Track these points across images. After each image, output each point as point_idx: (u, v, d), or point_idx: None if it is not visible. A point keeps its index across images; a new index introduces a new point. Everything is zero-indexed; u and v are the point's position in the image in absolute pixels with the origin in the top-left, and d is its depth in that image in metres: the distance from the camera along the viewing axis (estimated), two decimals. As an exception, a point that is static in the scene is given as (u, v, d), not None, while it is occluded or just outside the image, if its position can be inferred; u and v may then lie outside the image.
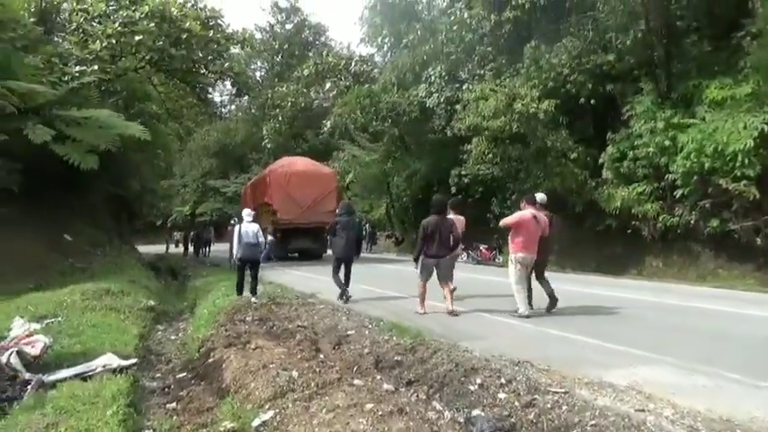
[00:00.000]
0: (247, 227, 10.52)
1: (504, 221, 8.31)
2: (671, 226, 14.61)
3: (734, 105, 13.42)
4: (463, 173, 20.37)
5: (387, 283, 12.52)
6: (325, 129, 27.42)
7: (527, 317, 7.95)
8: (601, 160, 16.38)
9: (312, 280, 13.53)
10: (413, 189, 26.18)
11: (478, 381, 4.88)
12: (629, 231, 15.76)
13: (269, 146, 38.15)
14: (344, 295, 9.98)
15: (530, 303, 8.44)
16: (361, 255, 11.71)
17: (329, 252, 14.78)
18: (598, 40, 17.17)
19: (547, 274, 8.66)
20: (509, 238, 8.18)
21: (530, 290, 8.48)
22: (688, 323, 7.79)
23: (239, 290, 10.87)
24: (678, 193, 14.20)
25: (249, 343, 6.88)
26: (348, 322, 7.82)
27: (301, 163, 23.05)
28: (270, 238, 20.43)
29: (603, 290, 11.38)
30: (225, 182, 46.26)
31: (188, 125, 35.45)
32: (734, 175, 12.69)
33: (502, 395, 4.58)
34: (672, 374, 5.16)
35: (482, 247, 19.53)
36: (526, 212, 8.07)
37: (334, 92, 34.04)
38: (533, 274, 8.46)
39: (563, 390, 4.61)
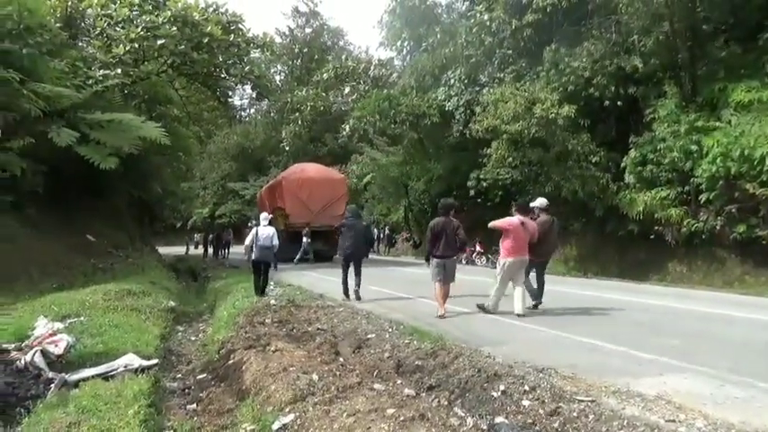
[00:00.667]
0: (263, 230, 10.93)
1: (492, 224, 8.63)
2: (696, 231, 14.33)
3: (761, 108, 13.14)
4: (482, 176, 20.21)
5: (403, 285, 12.48)
6: (344, 132, 27.55)
7: (490, 311, 8.54)
8: (623, 164, 16.14)
9: (325, 281, 13.60)
10: (431, 192, 26.05)
11: (501, 387, 4.79)
12: (651, 237, 15.49)
13: (288, 149, 38.26)
14: (348, 295, 10.48)
15: (539, 302, 8.96)
16: (380, 257, 11.91)
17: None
18: (621, 42, 16.95)
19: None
20: (500, 241, 8.54)
21: (541, 287, 9.08)
22: (717, 331, 7.60)
23: (257, 291, 11.06)
24: (703, 197, 13.93)
25: (269, 345, 6.87)
26: (368, 326, 7.77)
27: (313, 169, 23.70)
28: (305, 240, 20.69)
29: (626, 295, 11.18)
30: (244, 184, 46.43)
31: (208, 128, 35.64)
32: (761, 180, 12.40)
33: (526, 402, 4.49)
34: (702, 384, 5.02)
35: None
36: (514, 219, 8.43)
37: (354, 96, 34.14)
38: (535, 272, 9.07)
39: (589, 398, 4.50)
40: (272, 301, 10.02)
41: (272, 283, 12.04)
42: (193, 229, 44.88)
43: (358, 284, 10.52)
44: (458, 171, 23.16)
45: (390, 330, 7.43)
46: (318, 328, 7.71)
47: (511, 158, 18.67)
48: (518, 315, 8.31)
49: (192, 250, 36.50)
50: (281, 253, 13.69)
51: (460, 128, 21.84)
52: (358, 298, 10.32)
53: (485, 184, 20.24)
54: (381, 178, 29.17)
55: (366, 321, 8.07)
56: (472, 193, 20.94)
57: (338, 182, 22.90)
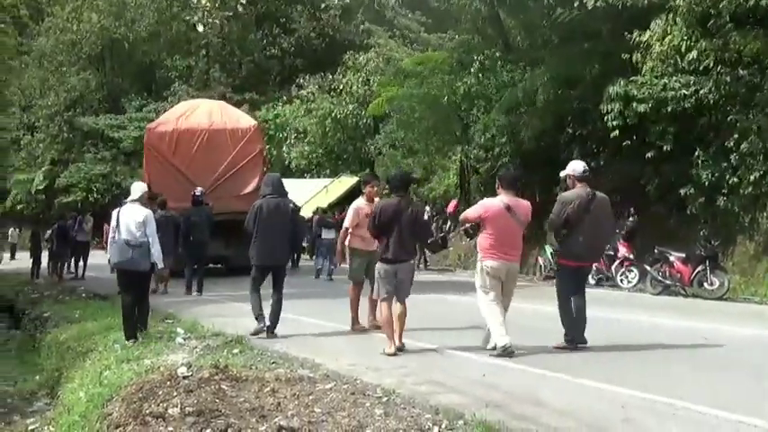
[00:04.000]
0: (128, 213, 6.62)
1: (462, 216, 6.32)
2: None
3: None
4: (633, 92, 11.24)
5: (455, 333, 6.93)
6: (334, 2, 16.30)
7: (500, 353, 5.55)
8: None
9: (298, 324, 7.45)
10: (520, 132, 14.52)
11: None
12: None
13: (207, 39, 22.01)
14: (263, 326, 6.76)
15: (570, 339, 5.96)
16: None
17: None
18: None
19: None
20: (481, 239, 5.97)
21: (579, 312, 6.00)
22: None
23: (130, 332, 6.71)
24: None
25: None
26: (389, 421, 3.90)
27: (200, 112, 14.35)
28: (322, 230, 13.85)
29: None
30: (115, 119, 26.56)
31: (37, 3, 19.33)
32: None
33: None
34: None
35: (674, 256, 10.45)
36: (494, 201, 5.93)
37: None
38: (561, 285, 6.25)
39: None
40: (182, 369, 5.25)
41: (180, 330, 7.03)
42: (8, 218, 25.32)
43: (277, 310, 6.78)
44: (577, 84, 13.30)
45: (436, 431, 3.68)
46: (282, 428, 3.83)
47: (695, 53, 10.68)
48: (492, 349, 5.62)
49: (6, 261, 21.01)
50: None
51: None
52: (271, 332, 6.70)
53: (640, 109, 11.21)
54: (409, 100, 16.43)
55: (382, 411, 4.08)
56: (616, 126, 11.67)
57: (245, 134, 14.18)
